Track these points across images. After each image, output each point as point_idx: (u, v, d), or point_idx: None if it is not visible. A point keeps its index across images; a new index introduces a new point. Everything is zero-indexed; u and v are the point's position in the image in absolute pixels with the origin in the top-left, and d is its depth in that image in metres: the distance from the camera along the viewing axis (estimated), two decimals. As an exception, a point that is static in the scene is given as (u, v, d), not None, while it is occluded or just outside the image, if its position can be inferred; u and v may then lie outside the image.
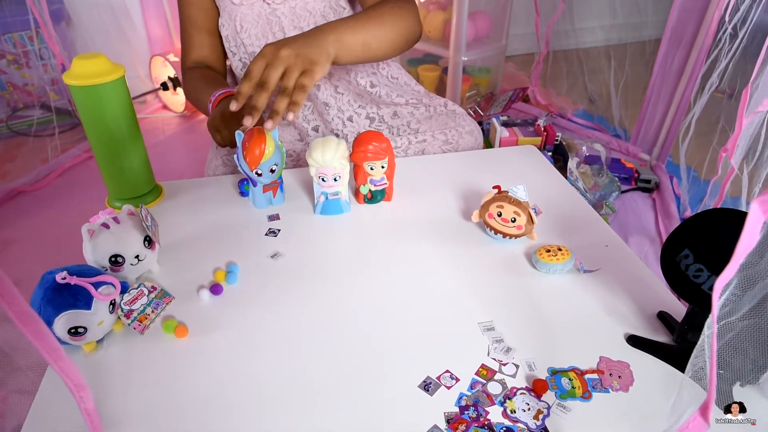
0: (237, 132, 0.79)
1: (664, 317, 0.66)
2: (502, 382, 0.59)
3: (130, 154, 0.85)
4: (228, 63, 1.20)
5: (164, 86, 1.97)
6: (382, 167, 0.84)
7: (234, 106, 0.74)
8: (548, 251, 0.74)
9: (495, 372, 0.60)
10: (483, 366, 0.60)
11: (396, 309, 0.68)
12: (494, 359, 0.61)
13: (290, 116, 0.73)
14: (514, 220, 0.77)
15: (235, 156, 0.82)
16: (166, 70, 1.96)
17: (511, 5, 1.75)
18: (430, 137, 1.12)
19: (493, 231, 0.79)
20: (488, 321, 0.66)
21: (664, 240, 1.27)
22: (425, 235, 0.82)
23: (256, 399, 0.57)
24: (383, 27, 0.90)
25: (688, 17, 1.34)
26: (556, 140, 1.40)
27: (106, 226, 0.69)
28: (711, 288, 0.52)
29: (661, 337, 0.64)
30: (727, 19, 1.17)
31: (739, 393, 0.55)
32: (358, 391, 0.58)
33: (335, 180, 0.82)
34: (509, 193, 0.77)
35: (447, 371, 0.60)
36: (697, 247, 0.54)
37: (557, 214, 0.85)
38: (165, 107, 2.10)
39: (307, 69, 0.75)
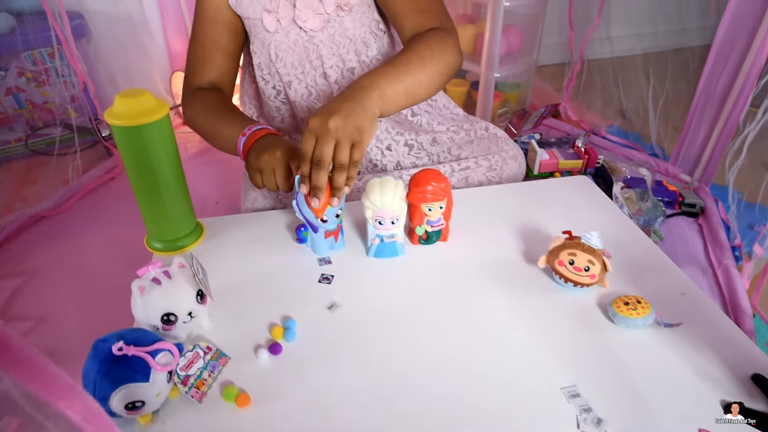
0: (297, 177, 0.75)
1: (760, 380, 0.61)
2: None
3: (174, 196, 0.80)
4: (252, 88, 1.14)
5: (184, 102, 1.91)
6: (441, 208, 0.79)
7: (304, 189, 0.73)
8: (626, 304, 0.69)
9: (587, 448, 0.55)
10: (574, 441, 0.56)
11: (465, 368, 0.64)
12: (585, 433, 0.56)
13: (346, 190, 0.73)
14: (587, 269, 0.72)
15: (294, 202, 0.77)
16: (186, 86, 1.91)
17: (544, 18, 1.70)
18: (474, 163, 1.07)
19: (563, 279, 0.74)
20: (571, 385, 0.61)
21: (716, 270, 1.21)
22: (486, 279, 0.77)
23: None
24: (425, 69, 0.84)
25: (736, 35, 1.29)
26: (598, 163, 1.35)
27: (156, 281, 0.64)
28: None
29: (759, 404, 0.59)
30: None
31: None
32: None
33: (393, 223, 0.77)
34: (582, 240, 0.72)
35: (538, 450, 0.55)
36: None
37: (623, 256, 0.80)
38: (185, 124, 2.05)
39: (356, 141, 0.72)
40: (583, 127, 1.82)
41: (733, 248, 1.25)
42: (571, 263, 0.72)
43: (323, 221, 0.76)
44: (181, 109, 1.05)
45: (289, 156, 0.82)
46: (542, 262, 0.76)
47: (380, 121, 1.10)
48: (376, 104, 0.77)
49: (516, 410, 0.59)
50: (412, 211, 0.80)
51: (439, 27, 0.91)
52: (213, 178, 1.62)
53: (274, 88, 1.06)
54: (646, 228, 1.28)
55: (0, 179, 1.66)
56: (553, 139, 1.56)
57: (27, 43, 1.61)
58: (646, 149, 1.66)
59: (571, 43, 1.76)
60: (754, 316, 1.08)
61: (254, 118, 1.16)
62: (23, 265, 1.28)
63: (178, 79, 1.93)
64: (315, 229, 0.79)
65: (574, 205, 0.94)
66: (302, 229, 0.83)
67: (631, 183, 1.35)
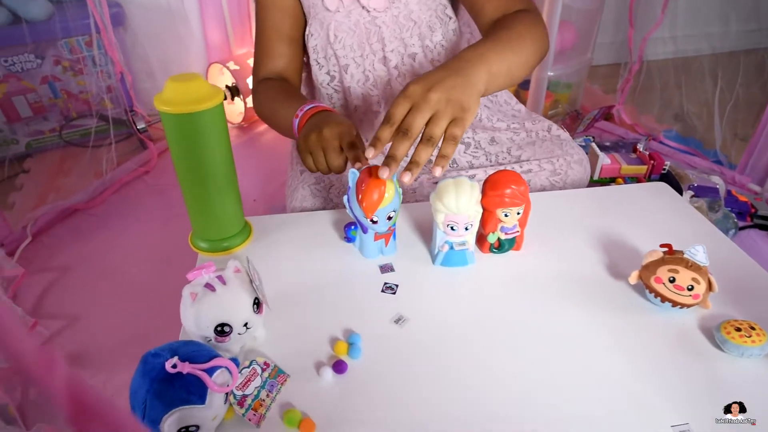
0: (351, 171, 0.67)
1: None
2: None
3: (223, 192, 0.73)
4: (303, 74, 1.08)
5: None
6: (518, 214, 0.71)
7: (371, 153, 0.62)
8: (738, 330, 0.60)
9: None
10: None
11: (547, 394, 0.56)
12: (708, 483, 0.48)
13: (437, 171, 0.61)
14: (691, 288, 0.63)
15: (345, 198, 0.70)
16: (223, 78, 1.86)
17: (602, 15, 1.60)
18: (536, 166, 0.99)
19: (659, 298, 0.66)
20: (683, 424, 0.53)
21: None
22: (566, 294, 0.69)
23: None
24: (525, 48, 0.77)
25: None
26: (664, 169, 1.25)
27: (210, 287, 0.57)
28: None
29: None
30: None
31: None
32: None
33: (466, 229, 0.69)
34: (685, 255, 0.64)
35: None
36: None
37: (722, 274, 0.70)
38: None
39: (458, 117, 0.63)
40: (638, 131, 1.71)
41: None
42: (672, 281, 0.64)
43: (373, 222, 0.68)
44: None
45: (338, 133, 0.74)
46: (634, 277, 0.67)
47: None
48: (482, 80, 0.68)
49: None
50: (486, 216, 0.72)
51: (527, 9, 0.84)
52: (250, 175, 1.57)
53: (328, 73, 1.00)
54: (718, 241, 1.18)
55: (33, 170, 1.62)
56: (608, 143, 1.46)
57: (65, 31, 1.57)
58: (708, 156, 1.55)
59: (630, 41, 1.65)
60: None
61: None
62: (55, 261, 1.24)
63: (215, 71, 1.88)
64: (364, 230, 0.72)
65: (654, 214, 0.85)
66: (352, 227, 0.76)
67: (700, 192, 1.25)
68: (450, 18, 0.98)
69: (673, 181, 1.24)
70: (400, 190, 0.71)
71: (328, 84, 1.01)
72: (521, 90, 1.78)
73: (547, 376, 0.58)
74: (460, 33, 1.01)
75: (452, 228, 0.69)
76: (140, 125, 1.61)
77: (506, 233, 0.73)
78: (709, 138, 1.56)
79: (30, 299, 1.11)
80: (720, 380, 0.57)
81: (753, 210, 1.27)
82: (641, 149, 1.31)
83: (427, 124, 0.62)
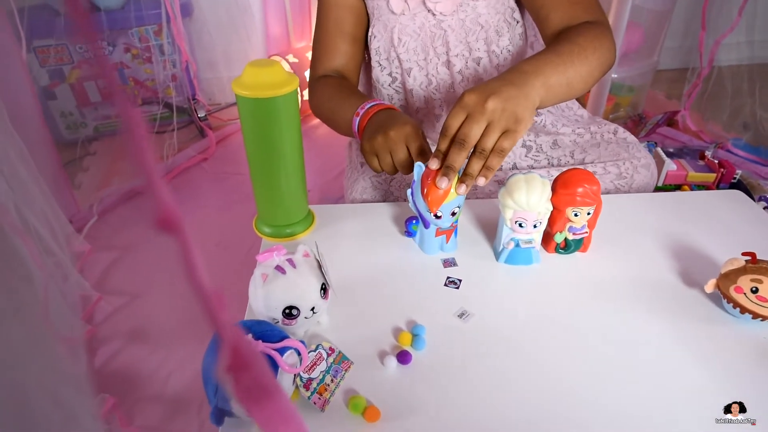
0: (417, 164, 0.67)
1: None
2: None
3: (292, 177, 0.74)
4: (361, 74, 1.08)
5: (277, 87, 1.89)
6: (588, 214, 0.69)
7: (434, 165, 0.64)
8: (827, 347, 0.56)
9: None
10: None
11: (614, 398, 0.54)
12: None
13: (480, 181, 0.63)
14: (775, 300, 0.60)
15: (408, 191, 0.69)
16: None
17: (671, 17, 1.54)
18: (601, 169, 0.96)
19: (738, 308, 0.63)
20: (766, 442, 0.50)
21: None
22: (636, 300, 0.67)
23: None
24: (587, 62, 0.75)
25: None
26: (735, 178, 1.20)
27: (280, 270, 0.58)
28: None
29: None
30: None
31: None
32: None
33: (535, 227, 0.68)
34: (771, 265, 0.60)
35: None
36: None
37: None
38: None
39: (510, 129, 0.63)
40: (703, 138, 1.65)
41: None
42: (754, 291, 0.61)
43: (437, 217, 0.68)
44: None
45: (405, 135, 0.74)
46: (711, 286, 0.65)
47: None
48: (538, 93, 0.68)
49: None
50: (554, 215, 0.71)
51: (595, 21, 0.82)
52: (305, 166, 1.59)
53: (390, 75, 1.00)
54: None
55: (99, 152, 1.69)
56: (672, 149, 1.41)
57: (138, 20, 1.63)
58: (782, 167, 1.48)
59: (701, 44, 1.58)
60: None
61: None
62: (118, 239, 1.28)
63: (274, 64, 1.91)
64: (426, 224, 0.71)
65: (729, 222, 0.81)
66: (413, 221, 0.75)
67: (771, 203, 1.19)
68: (518, 22, 0.96)
69: (744, 190, 1.18)
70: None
71: (389, 85, 1.01)
72: (582, 92, 1.73)
73: (611, 383, 0.56)
74: (525, 37, 0.99)
75: (520, 225, 0.68)
76: (201, 113, 1.66)
77: (574, 234, 0.72)
78: (784, 148, 1.49)
79: (95, 275, 1.15)
80: (805, 399, 0.54)
81: (830, 226, 1.20)
82: (709, 156, 1.26)
83: (482, 135, 0.63)
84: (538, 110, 1.03)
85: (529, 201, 0.65)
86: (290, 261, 0.59)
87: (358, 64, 1.01)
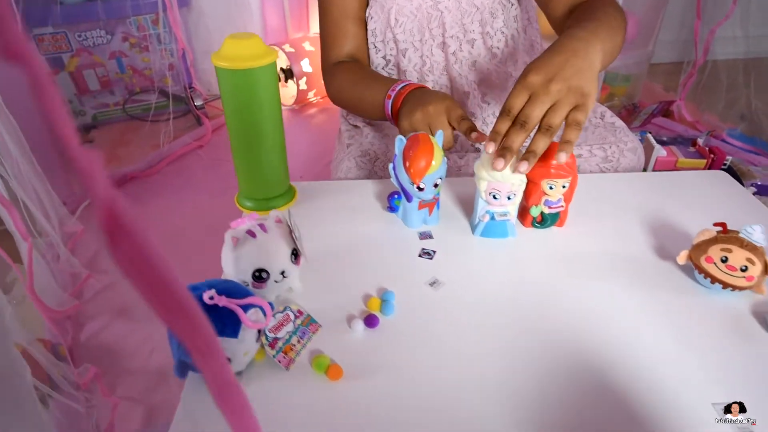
0: (398, 138, 0.68)
1: None
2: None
3: (271, 148, 0.75)
4: None
5: (275, 78, 1.91)
6: (563, 187, 0.69)
7: (491, 148, 0.63)
8: (795, 315, 0.57)
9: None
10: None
11: (584, 369, 0.54)
12: (749, 463, 0.45)
13: (562, 157, 0.60)
14: (744, 269, 0.60)
15: (390, 166, 0.70)
16: (279, 61, 1.91)
17: (666, 6, 1.54)
18: (587, 152, 0.96)
19: (709, 279, 0.63)
20: (724, 403, 0.50)
21: None
22: (609, 272, 0.67)
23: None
24: (620, 30, 0.75)
25: None
26: (725, 164, 1.19)
27: (251, 234, 0.59)
28: None
29: None
30: None
31: None
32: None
33: (509, 198, 0.68)
34: (741, 235, 0.60)
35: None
36: None
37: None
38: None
39: (579, 103, 0.61)
40: (698, 128, 1.64)
41: None
42: (724, 261, 0.61)
43: (419, 189, 0.68)
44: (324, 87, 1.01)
45: (444, 109, 0.74)
46: (683, 257, 0.65)
47: (488, 104, 1.02)
48: (599, 58, 0.66)
49: (652, 421, 0.48)
50: (530, 188, 0.71)
51: None
52: (299, 155, 1.60)
53: (384, 57, 1.00)
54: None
55: (97, 140, 1.71)
56: (666, 138, 1.40)
57: (135, 9, 1.65)
58: (775, 157, 1.47)
59: (696, 33, 1.58)
60: None
61: None
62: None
63: (271, 54, 1.93)
64: (409, 198, 0.71)
65: (711, 201, 0.81)
66: (395, 197, 0.76)
67: (764, 191, 1.19)
68: (512, 4, 0.97)
69: (734, 176, 1.18)
70: (446, 158, 0.71)
71: (383, 68, 1.02)
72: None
73: (583, 351, 0.56)
74: (519, 20, 1.00)
75: (494, 197, 0.68)
76: (198, 102, 1.67)
77: (550, 207, 0.72)
78: (778, 138, 1.48)
79: (86, 255, 1.17)
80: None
81: (822, 213, 1.19)
82: (701, 144, 1.25)
83: (547, 112, 0.62)
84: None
85: (502, 172, 0.65)
86: (261, 226, 0.60)
87: (367, 45, 1.01)
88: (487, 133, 0.78)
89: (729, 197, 0.83)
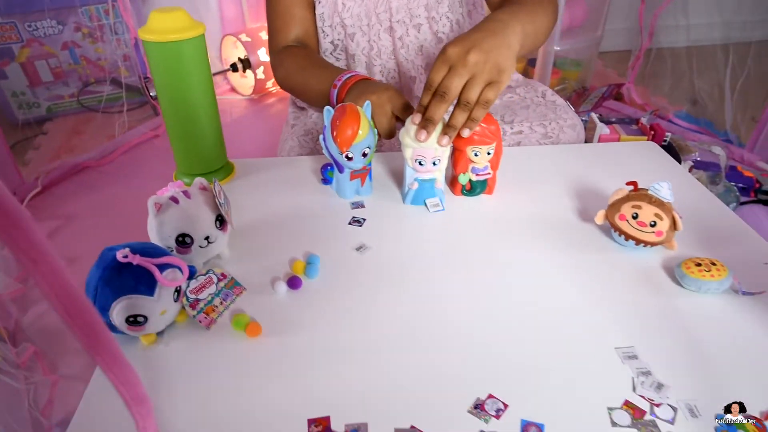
0: (326, 109, 0.69)
1: None
2: (653, 425, 0.45)
3: (204, 123, 0.76)
4: None
5: (233, 67, 1.91)
6: (488, 153, 0.72)
7: (416, 119, 0.66)
8: (698, 265, 0.59)
9: (644, 413, 0.47)
10: (627, 403, 0.47)
11: (507, 321, 0.56)
12: (642, 397, 0.48)
13: (465, 132, 0.65)
14: (653, 224, 0.63)
15: (321, 137, 0.71)
16: (236, 51, 1.90)
17: (613, -8, 1.59)
18: (528, 129, 0.99)
19: (623, 236, 0.65)
20: (628, 347, 0.53)
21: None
22: (536, 235, 0.69)
23: (335, 418, 0.46)
24: (545, 15, 0.79)
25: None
26: (665, 140, 1.23)
27: (175, 200, 0.60)
28: None
29: None
30: None
31: None
32: (463, 426, 0.45)
33: (434, 164, 0.70)
34: (649, 192, 0.63)
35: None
36: None
37: (697, 222, 0.71)
38: (233, 90, 2.05)
39: (494, 80, 0.65)
40: (648, 110, 1.69)
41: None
42: (635, 217, 0.64)
43: (348, 158, 0.70)
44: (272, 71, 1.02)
45: (387, 98, 0.76)
46: (600, 217, 0.67)
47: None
48: (517, 39, 0.69)
49: (563, 368, 0.51)
50: (457, 156, 0.73)
51: None
52: (257, 143, 1.60)
53: (332, 42, 1.01)
54: (716, 213, 1.16)
55: (51, 132, 1.69)
56: (614, 119, 1.44)
57: (84, -1, 1.63)
58: (719, 135, 1.52)
59: (641, 17, 1.62)
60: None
61: None
62: (62, 210, 1.29)
63: (229, 44, 1.92)
64: (341, 169, 0.73)
65: (639, 169, 0.84)
66: (328, 168, 0.77)
67: (701, 166, 1.23)
68: None
69: (673, 152, 1.22)
70: (376, 130, 0.73)
71: (331, 53, 1.02)
72: (529, 68, 1.77)
73: (506, 303, 0.58)
74: (463, 4, 1.02)
75: (420, 163, 0.70)
76: (153, 92, 1.66)
77: (477, 174, 0.74)
78: (720, 119, 1.53)
79: (33, 243, 1.16)
80: (673, 312, 0.57)
81: (757, 185, 1.24)
82: (644, 122, 1.29)
83: (464, 87, 0.64)
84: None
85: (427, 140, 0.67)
86: (185, 192, 0.61)
87: (316, 30, 1.01)
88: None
89: (655, 165, 0.86)
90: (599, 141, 1.27)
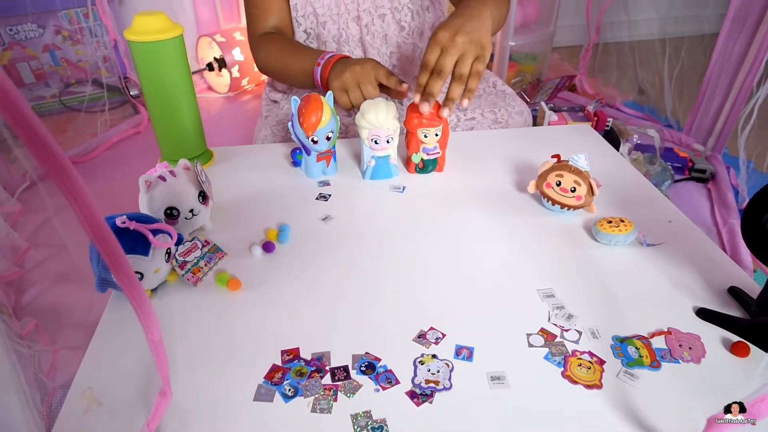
0: (293, 98, 0.79)
1: (735, 293, 0.63)
2: (561, 345, 0.56)
3: (184, 113, 0.85)
4: None
5: (210, 67, 1.99)
6: (436, 135, 0.82)
7: (417, 98, 0.77)
8: (609, 222, 0.71)
9: (555, 336, 0.58)
10: (542, 330, 0.58)
11: (449, 273, 0.67)
12: (555, 325, 0.59)
13: (465, 102, 0.77)
14: (573, 190, 0.74)
15: (289, 123, 0.81)
16: (212, 51, 1.98)
17: (563, -10, 1.71)
18: (479, 115, 1.10)
19: (550, 202, 0.77)
20: (547, 288, 0.64)
21: (720, 229, 1.21)
22: (478, 205, 0.80)
23: (303, 348, 0.56)
24: (502, 6, 0.92)
25: (752, 0, 1.28)
26: (607, 126, 1.36)
27: (162, 178, 0.69)
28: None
29: (733, 311, 0.61)
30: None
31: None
32: (408, 352, 0.56)
33: (388, 142, 0.80)
34: (569, 162, 0.74)
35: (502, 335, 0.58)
36: (787, 207, 0.50)
37: (616, 190, 0.82)
38: (210, 88, 2.13)
39: (479, 54, 0.77)
40: (599, 100, 1.82)
41: (741, 211, 1.25)
42: (558, 184, 0.75)
43: (314, 142, 0.79)
44: (253, 58, 1.11)
45: (371, 68, 0.87)
46: (532, 187, 0.78)
47: (398, 74, 1.13)
48: (490, 21, 0.82)
49: (493, 306, 0.61)
50: (409, 138, 0.83)
51: None
52: (233, 136, 1.68)
53: (305, 31, 1.09)
54: (653, 189, 1.28)
55: (34, 132, 1.74)
56: (566, 108, 1.57)
57: (64, 2, 1.69)
58: (661, 121, 1.65)
59: (588, 14, 1.76)
60: (755, 271, 1.08)
61: None
62: (50, 202, 1.36)
63: (204, 44, 2.00)
64: (308, 152, 0.83)
65: (574, 148, 0.96)
66: (297, 152, 0.87)
67: (641, 148, 1.35)
68: None
69: (614, 136, 1.34)
70: (338, 117, 0.83)
71: (304, 41, 1.11)
72: (489, 62, 1.89)
73: (454, 260, 0.69)
74: None
75: (375, 141, 0.80)
76: (134, 92, 1.73)
77: (428, 153, 0.84)
78: (662, 106, 1.67)
79: (26, 232, 1.24)
80: (587, 261, 0.68)
81: (691, 164, 1.37)
82: (589, 109, 1.42)
83: (456, 63, 0.76)
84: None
85: (378, 119, 0.77)
86: (171, 172, 0.70)
87: (291, 20, 1.10)
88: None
89: (587, 144, 0.98)
90: (548, 126, 1.39)
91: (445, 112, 0.78)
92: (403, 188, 0.83)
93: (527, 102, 1.66)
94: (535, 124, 1.48)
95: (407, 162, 0.87)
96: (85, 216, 0.34)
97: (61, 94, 1.86)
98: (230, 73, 1.96)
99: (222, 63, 1.96)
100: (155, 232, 0.61)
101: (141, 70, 0.81)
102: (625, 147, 1.27)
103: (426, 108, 0.76)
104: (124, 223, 0.59)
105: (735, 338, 0.57)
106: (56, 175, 0.31)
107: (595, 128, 1.38)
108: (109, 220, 0.60)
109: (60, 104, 1.87)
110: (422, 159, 0.85)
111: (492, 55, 1.80)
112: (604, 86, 1.88)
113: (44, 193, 1.30)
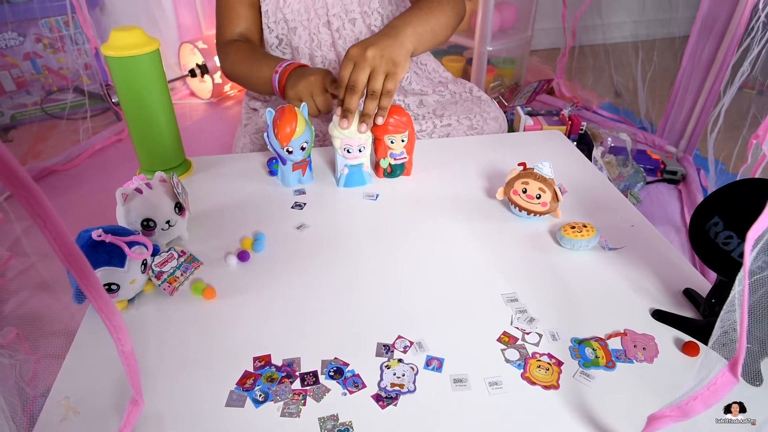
0: (268, 110, 0.81)
1: (690, 294, 0.66)
2: (522, 348, 0.59)
3: (162, 125, 0.87)
4: None
5: (192, 73, 2.00)
6: (402, 141, 0.85)
7: (338, 112, 0.79)
8: (573, 228, 0.74)
9: (517, 339, 0.60)
10: (505, 333, 0.61)
11: (418, 279, 0.69)
12: (517, 328, 0.62)
13: (379, 120, 0.80)
14: (539, 197, 0.77)
15: (265, 134, 0.83)
16: (194, 58, 1.99)
17: (539, -2, 1.75)
18: (455, 122, 1.13)
19: (517, 208, 0.79)
20: (512, 293, 0.66)
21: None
22: (449, 212, 0.82)
23: (275, 354, 0.58)
24: (445, 12, 0.93)
25: (720, 6, 1.32)
26: (581, 129, 1.39)
27: (139, 191, 0.71)
28: (740, 255, 0.52)
29: (687, 312, 0.64)
30: (760, 6, 1.15)
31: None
32: (376, 357, 0.58)
33: (360, 151, 0.83)
34: (534, 170, 0.77)
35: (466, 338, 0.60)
36: (728, 214, 0.53)
37: (582, 195, 0.85)
38: (192, 94, 2.14)
39: (390, 71, 0.80)
40: (577, 102, 1.85)
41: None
42: (524, 191, 0.77)
43: (289, 152, 0.82)
44: (219, 63, 1.13)
45: (323, 80, 0.90)
46: (500, 194, 0.81)
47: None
48: (410, 40, 0.84)
49: (461, 310, 0.64)
50: (377, 144, 0.86)
51: None
52: (217, 144, 1.70)
53: (277, 37, 1.12)
54: (625, 192, 1.32)
55: (16, 139, 1.75)
56: (543, 111, 1.60)
57: (43, 11, 1.70)
58: (635, 123, 1.69)
59: (564, 19, 1.80)
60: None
61: None
62: (32, 212, 1.37)
63: (186, 51, 2.01)
64: (284, 161, 0.85)
65: (545, 155, 0.99)
66: (273, 161, 0.89)
67: (615, 151, 1.39)
68: None
69: (588, 140, 1.38)
70: (313, 128, 0.85)
71: (276, 47, 1.14)
72: (468, 67, 1.92)
73: (422, 265, 0.71)
74: (392, 2, 1.14)
75: (348, 150, 0.82)
76: (115, 99, 1.74)
77: (395, 159, 0.87)
78: (636, 109, 1.71)
79: (8, 241, 1.24)
80: (550, 266, 0.71)
81: (663, 166, 1.41)
82: (564, 113, 1.45)
83: (369, 80, 0.79)
84: (412, 77, 1.18)
85: (350, 129, 0.80)
86: (148, 184, 0.72)
87: (259, 27, 1.13)
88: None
89: (557, 150, 1.00)
90: (524, 130, 1.42)
91: (362, 128, 0.80)
92: (377, 196, 0.86)
93: (505, 106, 1.69)
94: (511, 128, 1.51)
95: (376, 167, 0.90)
96: (54, 238, 0.36)
97: (43, 101, 1.87)
98: (212, 80, 1.97)
99: (204, 69, 1.98)
100: (131, 244, 0.63)
101: (118, 84, 0.82)
102: (598, 150, 1.30)
103: (345, 124, 0.79)
104: (100, 236, 0.61)
105: (687, 338, 0.60)
106: (24, 200, 0.33)
107: (569, 132, 1.42)
108: (86, 233, 0.62)
109: (42, 112, 1.87)
110: (390, 164, 0.87)
111: (470, 60, 1.83)
112: (582, 89, 1.91)
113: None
